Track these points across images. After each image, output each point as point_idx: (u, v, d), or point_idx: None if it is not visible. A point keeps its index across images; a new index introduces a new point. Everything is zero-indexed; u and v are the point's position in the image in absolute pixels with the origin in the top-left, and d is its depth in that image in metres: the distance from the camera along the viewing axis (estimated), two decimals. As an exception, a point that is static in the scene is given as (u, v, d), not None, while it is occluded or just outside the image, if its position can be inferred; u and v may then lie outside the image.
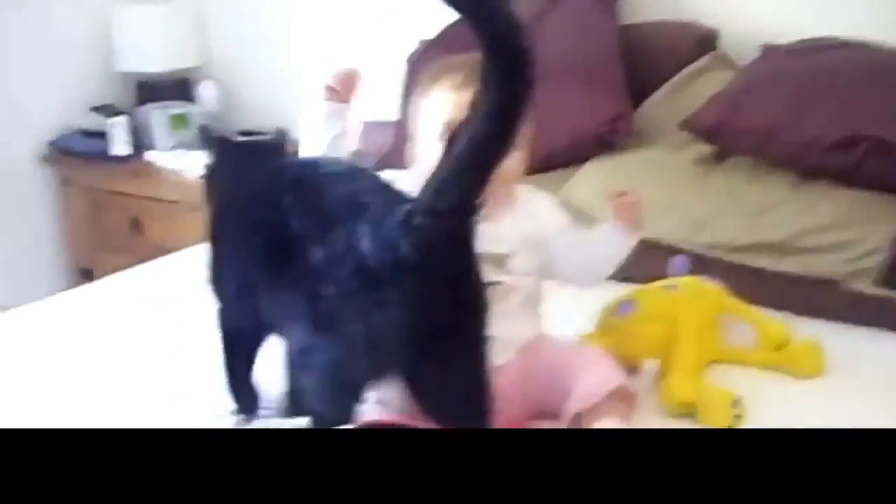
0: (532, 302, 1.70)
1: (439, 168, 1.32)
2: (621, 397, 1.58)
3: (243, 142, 1.73)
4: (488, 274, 1.55)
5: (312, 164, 1.62)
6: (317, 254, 1.41)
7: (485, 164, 1.31)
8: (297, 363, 1.51)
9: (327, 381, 1.46)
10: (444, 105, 1.58)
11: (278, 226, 1.50)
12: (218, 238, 1.64)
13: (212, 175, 1.72)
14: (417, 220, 1.32)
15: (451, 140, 1.31)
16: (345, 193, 1.46)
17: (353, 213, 1.40)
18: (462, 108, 1.51)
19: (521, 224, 1.66)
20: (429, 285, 1.34)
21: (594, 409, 1.55)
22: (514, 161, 1.60)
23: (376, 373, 1.44)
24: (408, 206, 1.34)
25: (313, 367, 1.47)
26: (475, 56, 1.59)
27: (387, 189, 1.46)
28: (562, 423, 1.59)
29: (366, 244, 1.35)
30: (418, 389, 1.45)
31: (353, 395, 1.45)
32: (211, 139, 1.71)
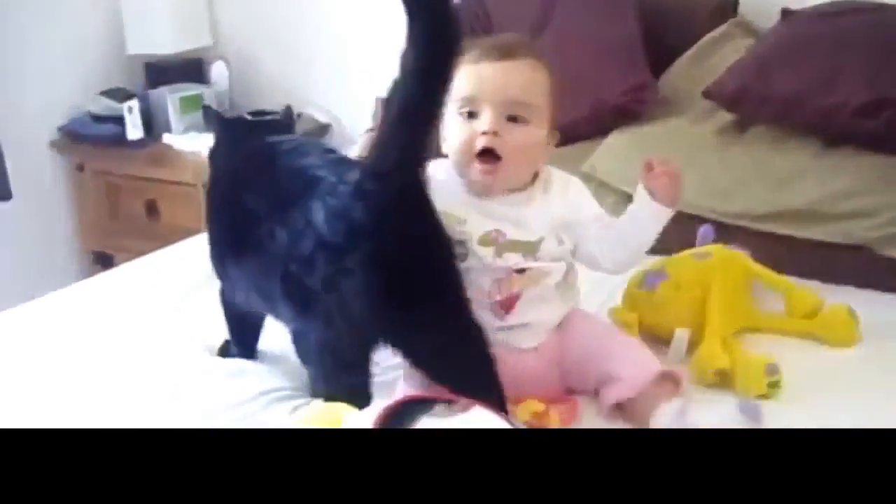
0: (565, 285, 1.68)
1: (379, 131, 1.40)
2: (666, 379, 1.57)
3: (243, 120, 1.74)
4: (518, 261, 1.59)
5: (270, 143, 1.64)
6: (281, 234, 1.45)
7: (417, 123, 1.36)
8: (296, 349, 1.56)
9: (322, 363, 1.49)
10: (461, 80, 1.54)
11: (238, 206, 1.56)
12: (210, 217, 1.68)
13: (212, 154, 1.73)
14: (366, 185, 1.37)
15: (387, 102, 1.34)
16: (297, 169, 1.51)
17: (307, 188, 1.44)
18: (479, 82, 1.57)
19: (553, 209, 1.63)
20: (388, 248, 1.37)
21: (642, 396, 1.53)
22: (540, 139, 1.61)
23: (364, 346, 1.45)
24: (357, 174, 1.39)
25: (308, 351, 1.52)
26: (504, 35, 1.62)
27: (338, 160, 1.52)
28: (602, 407, 1.59)
29: (321, 217, 1.39)
30: (415, 358, 1.48)
31: (352, 372, 1.47)
32: (213, 118, 1.73)
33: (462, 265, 1.54)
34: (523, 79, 1.58)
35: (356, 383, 1.46)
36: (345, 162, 1.51)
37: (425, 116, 1.36)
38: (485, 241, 1.58)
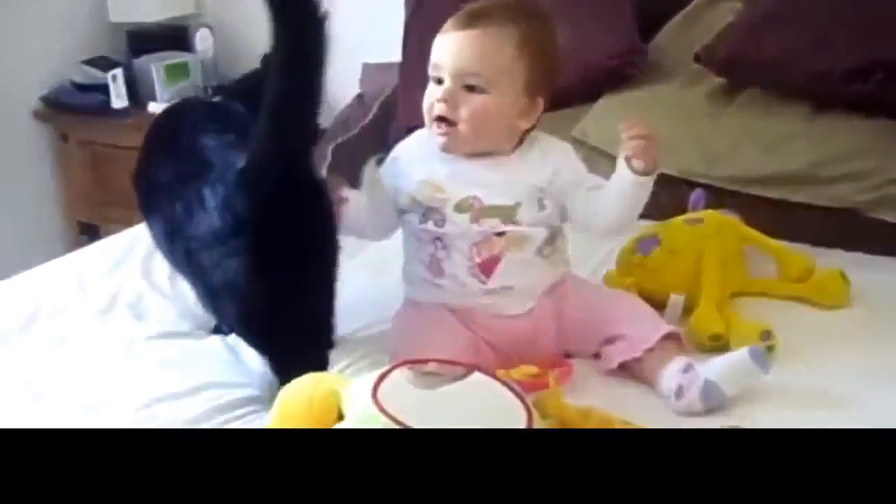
0: (551, 250, 1.67)
1: (256, 125, 1.44)
2: (671, 339, 1.58)
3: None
4: (496, 225, 1.60)
5: (174, 113, 1.77)
6: (180, 210, 1.53)
7: (287, 117, 1.42)
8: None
9: (243, 337, 1.61)
10: (434, 47, 1.63)
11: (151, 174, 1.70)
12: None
13: None
14: (248, 176, 1.44)
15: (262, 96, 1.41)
16: (193, 149, 1.59)
17: (202, 172, 1.51)
18: (442, 50, 1.61)
19: (530, 174, 1.64)
20: (265, 236, 1.44)
21: (648, 355, 1.55)
22: (500, 107, 1.60)
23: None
24: (241, 165, 1.45)
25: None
26: (492, 2, 1.61)
27: (231, 142, 1.57)
28: (606, 366, 1.60)
29: (212, 204, 1.46)
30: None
31: (271, 343, 1.55)
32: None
33: (440, 230, 1.62)
34: (481, 48, 1.58)
35: (285, 354, 1.53)
36: (236, 146, 1.55)
37: (295, 109, 1.43)
38: (461, 207, 1.61)
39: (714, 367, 1.48)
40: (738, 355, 1.48)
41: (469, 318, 1.63)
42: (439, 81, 1.61)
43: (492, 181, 1.62)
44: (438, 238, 1.63)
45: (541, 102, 1.65)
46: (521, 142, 1.67)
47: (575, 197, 1.65)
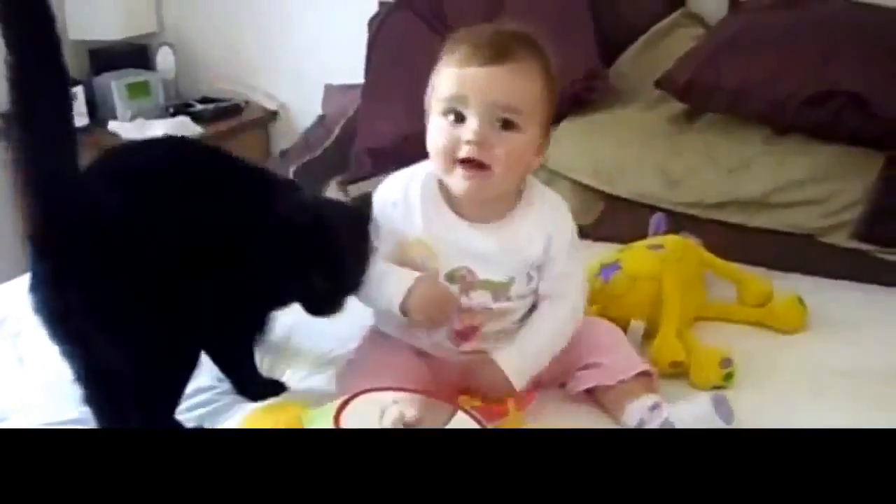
0: (529, 314, 1.62)
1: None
2: (646, 376, 1.58)
3: None
4: (486, 301, 1.55)
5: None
6: None
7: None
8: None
9: None
10: (445, 82, 1.49)
11: None
12: None
13: None
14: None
15: None
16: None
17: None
18: (465, 84, 1.47)
19: (531, 242, 1.56)
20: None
21: (622, 386, 1.55)
22: (531, 146, 1.51)
23: None
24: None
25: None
26: (490, 28, 1.54)
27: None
28: (573, 388, 1.60)
29: None
30: None
31: None
32: None
33: None
34: (518, 83, 1.46)
35: None
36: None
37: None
38: (452, 277, 1.54)
39: (678, 413, 1.47)
40: (703, 406, 1.46)
41: (435, 363, 1.60)
42: (458, 119, 1.47)
43: (487, 252, 1.53)
44: None
45: (547, 141, 1.58)
46: (520, 192, 1.59)
47: (545, 275, 1.60)
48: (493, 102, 1.45)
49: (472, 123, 1.45)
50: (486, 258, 1.53)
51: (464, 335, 1.57)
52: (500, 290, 1.55)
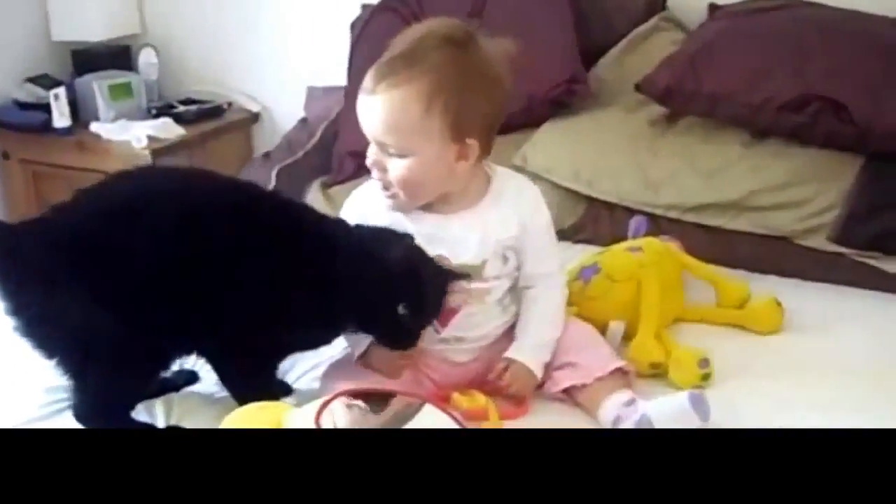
0: (509, 297, 1.67)
1: None
2: (621, 373, 1.61)
3: None
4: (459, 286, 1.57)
5: None
6: None
7: None
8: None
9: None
10: (358, 107, 1.55)
11: None
12: None
13: None
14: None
15: None
16: None
17: None
18: (366, 117, 1.52)
19: (500, 231, 1.60)
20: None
21: (598, 384, 1.57)
22: (427, 164, 1.53)
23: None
24: None
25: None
26: (399, 40, 1.54)
27: None
28: (551, 388, 1.62)
29: None
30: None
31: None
32: None
33: None
34: (386, 115, 1.50)
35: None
36: None
37: None
38: None
39: (655, 407, 1.49)
40: (680, 401, 1.48)
41: (436, 363, 1.64)
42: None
43: (459, 238, 1.59)
44: None
45: (472, 142, 1.54)
46: (489, 181, 1.63)
47: (525, 260, 1.64)
48: (371, 136, 1.54)
49: (371, 149, 1.55)
50: (456, 243, 1.58)
51: (442, 318, 1.60)
52: (473, 272, 1.59)
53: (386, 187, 1.57)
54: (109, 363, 1.45)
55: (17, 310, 1.44)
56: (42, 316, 1.44)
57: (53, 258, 1.41)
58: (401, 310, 1.47)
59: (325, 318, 1.51)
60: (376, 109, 1.50)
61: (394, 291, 1.46)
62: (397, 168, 1.53)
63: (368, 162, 1.56)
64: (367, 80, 1.52)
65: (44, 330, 1.45)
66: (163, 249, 1.41)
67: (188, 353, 1.58)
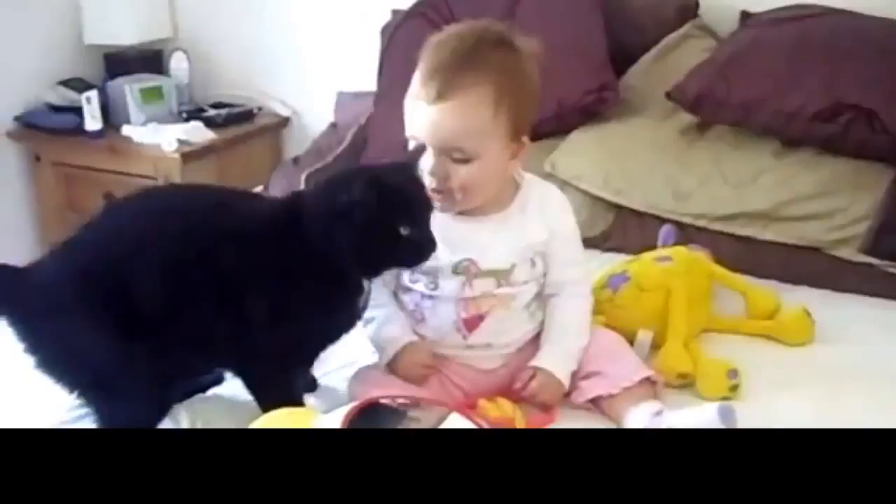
0: (536, 303, 1.67)
1: None
2: (649, 383, 1.60)
3: None
4: (490, 288, 1.59)
5: None
6: None
7: None
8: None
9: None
10: (412, 115, 1.57)
11: None
12: None
13: None
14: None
15: None
16: None
17: None
18: (417, 122, 1.54)
19: (528, 235, 1.62)
20: None
21: (626, 394, 1.56)
22: (491, 167, 1.56)
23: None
24: None
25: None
26: (448, 44, 1.55)
27: None
28: (578, 398, 1.61)
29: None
30: None
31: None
32: None
33: (431, 292, 1.59)
34: (457, 123, 1.51)
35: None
36: None
37: None
38: (456, 270, 1.59)
39: (683, 418, 1.48)
40: (708, 414, 1.47)
41: (442, 363, 1.64)
42: (424, 148, 1.55)
43: (488, 242, 1.59)
44: (427, 294, 1.62)
45: (526, 140, 1.61)
46: (517, 187, 1.65)
47: (552, 267, 1.65)
48: (441, 143, 1.52)
49: (428, 160, 1.54)
50: (485, 247, 1.59)
51: (470, 324, 1.60)
52: (502, 276, 1.60)
53: (442, 192, 1.55)
54: (124, 397, 1.47)
55: (30, 349, 1.46)
56: (54, 355, 1.46)
57: (59, 297, 1.44)
58: (403, 231, 1.43)
59: (330, 287, 1.48)
60: (446, 117, 1.51)
61: (383, 219, 1.42)
62: (462, 174, 1.54)
63: (427, 171, 1.54)
64: (428, 88, 1.52)
65: (58, 367, 1.47)
66: (167, 274, 1.43)
67: (206, 372, 1.60)
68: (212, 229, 1.46)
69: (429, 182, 1.54)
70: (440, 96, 1.51)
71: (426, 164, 1.54)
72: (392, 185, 1.43)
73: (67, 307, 1.43)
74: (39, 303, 1.45)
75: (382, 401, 1.34)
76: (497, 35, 1.58)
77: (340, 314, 1.53)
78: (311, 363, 1.60)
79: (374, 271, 1.50)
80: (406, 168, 1.51)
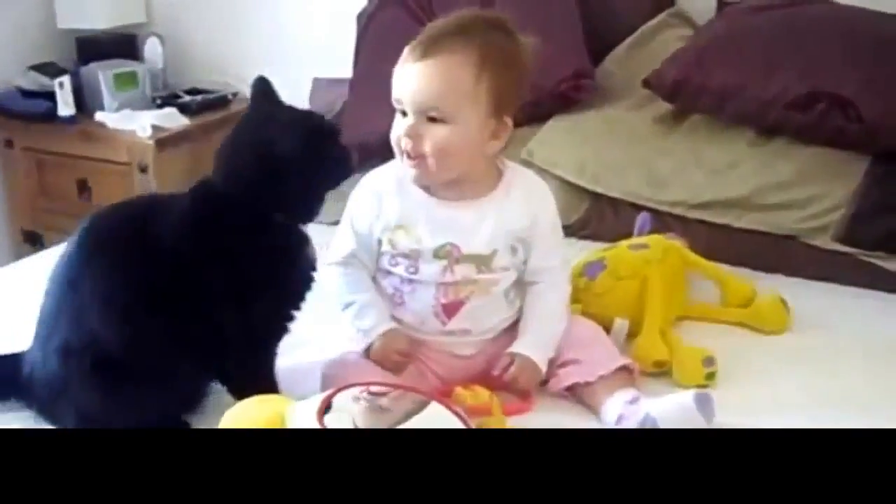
0: (515, 290, 1.67)
1: None
2: (625, 371, 1.60)
3: None
4: (470, 273, 1.59)
5: None
6: None
7: None
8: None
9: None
10: (394, 79, 1.58)
11: None
12: None
13: None
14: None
15: None
16: None
17: None
18: (401, 83, 1.56)
19: (511, 222, 1.62)
20: None
21: (602, 382, 1.56)
22: (466, 135, 1.55)
23: None
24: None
25: None
26: (436, 23, 1.58)
27: None
28: (555, 386, 1.62)
29: None
30: None
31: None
32: None
33: (411, 276, 1.60)
34: (438, 80, 1.52)
35: None
36: None
37: None
38: (438, 254, 1.59)
39: (660, 405, 1.48)
40: (685, 400, 1.47)
41: (420, 349, 1.64)
42: (404, 114, 1.57)
43: (470, 227, 1.60)
44: (407, 278, 1.62)
45: (509, 121, 1.60)
46: (500, 174, 1.65)
47: (532, 254, 1.65)
48: (418, 100, 1.54)
49: (408, 119, 1.55)
50: (468, 232, 1.59)
51: (449, 309, 1.61)
52: (483, 262, 1.60)
53: (415, 157, 1.56)
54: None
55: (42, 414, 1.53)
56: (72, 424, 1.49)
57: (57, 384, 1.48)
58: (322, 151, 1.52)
59: (274, 244, 1.51)
60: (428, 73, 1.53)
61: (305, 145, 1.49)
62: (437, 134, 1.54)
63: (400, 132, 1.56)
64: (416, 50, 1.55)
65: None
66: (124, 311, 1.45)
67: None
68: (140, 250, 1.47)
69: (403, 144, 1.56)
70: (426, 54, 1.53)
71: (401, 127, 1.56)
72: (295, 119, 1.56)
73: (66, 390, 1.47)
74: (42, 393, 1.51)
75: (356, 388, 1.34)
76: (497, 19, 1.61)
77: (294, 269, 1.55)
78: (284, 330, 1.58)
79: (308, 207, 1.54)
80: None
